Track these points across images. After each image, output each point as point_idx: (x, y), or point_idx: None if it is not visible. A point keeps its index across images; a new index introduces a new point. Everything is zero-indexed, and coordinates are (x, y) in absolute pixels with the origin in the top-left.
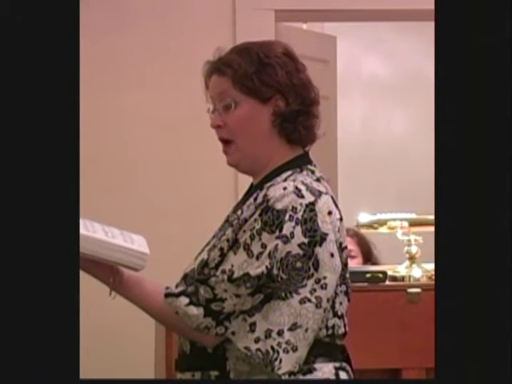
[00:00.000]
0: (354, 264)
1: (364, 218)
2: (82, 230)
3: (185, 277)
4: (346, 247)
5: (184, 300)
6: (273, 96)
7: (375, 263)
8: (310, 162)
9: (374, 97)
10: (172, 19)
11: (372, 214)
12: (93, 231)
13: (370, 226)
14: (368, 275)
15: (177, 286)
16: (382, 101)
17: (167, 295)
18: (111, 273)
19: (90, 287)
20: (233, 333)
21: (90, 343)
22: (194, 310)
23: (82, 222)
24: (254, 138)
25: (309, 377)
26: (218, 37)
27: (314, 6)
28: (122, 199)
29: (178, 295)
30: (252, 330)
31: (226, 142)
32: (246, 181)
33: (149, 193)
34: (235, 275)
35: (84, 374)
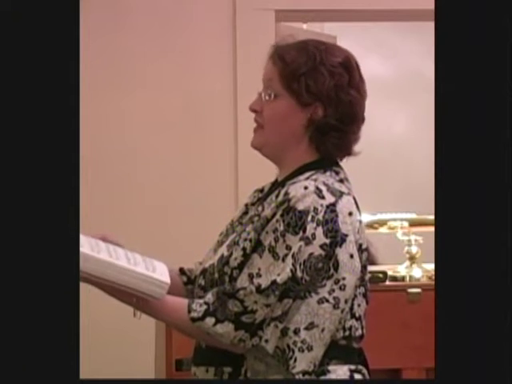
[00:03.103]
0: None
1: (364, 217)
2: (104, 256)
3: (204, 271)
4: (366, 249)
5: (210, 321)
6: (313, 103)
7: (373, 262)
8: (336, 164)
9: (374, 97)
10: (172, 19)
11: (372, 214)
12: (116, 257)
13: (371, 225)
14: (368, 275)
15: (195, 279)
16: (383, 101)
17: (193, 320)
18: (133, 293)
19: (90, 287)
20: (266, 341)
21: (90, 343)
22: (224, 328)
23: (105, 247)
24: (282, 134)
25: (321, 378)
26: (218, 37)
27: (314, 5)
28: (123, 199)
29: (203, 318)
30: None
31: (258, 124)
32: (246, 181)
33: (150, 192)
34: (263, 285)
35: (84, 374)
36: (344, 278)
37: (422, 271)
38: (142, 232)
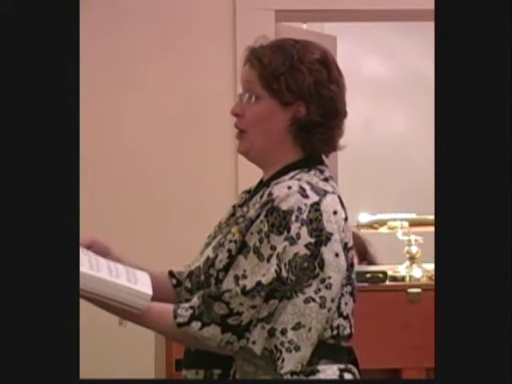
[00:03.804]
0: None
1: (364, 217)
2: (86, 269)
3: (190, 274)
4: (351, 247)
5: (196, 325)
6: (295, 102)
7: (371, 262)
8: (321, 162)
9: (374, 97)
10: (172, 20)
11: (372, 214)
12: (97, 269)
13: (370, 226)
14: (368, 275)
15: (180, 284)
16: (382, 101)
17: (179, 325)
18: (117, 306)
19: None
20: (253, 342)
21: (90, 343)
22: (210, 331)
23: (87, 259)
24: (266, 136)
25: (312, 378)
26: (218, 37)
27: (314, 6)
28: (123, 199)
29: (189, 322)
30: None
31: (239, 131)
32: (246, 179)
33: (150, 192)
34: (248, 287)
35: (84, 374)
36: (330, 277)
37: (422, 271)
38: (141, 232)
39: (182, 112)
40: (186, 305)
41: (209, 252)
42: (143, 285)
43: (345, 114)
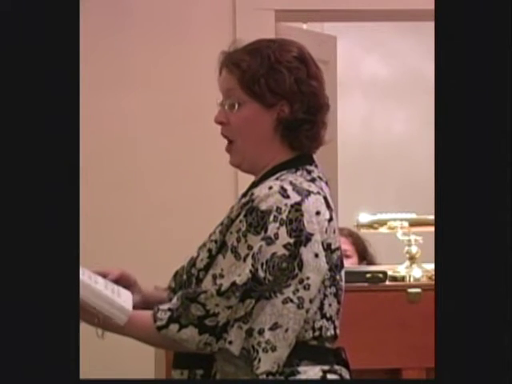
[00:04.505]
0: (350, 263)
1: (364, 217)
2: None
3: (175, 274)
4: (337, 248)
5: (174, 327)
6: (278, 102)
7: (371, 261)
8: (310, 162)
9: (374, 97)
10: (172, 20)
11: (372, 214)
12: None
13: (370, 226)
14: (368, 275)
15: (169, 286)
16: (382, 101)
17: (159, 329)
18: (95, 313)
19: None
20: (230, 342)
21: (90, 343)
22: (188, 333)
23: None
24: (254, 141)
25: (292, 379)
26: (218, 37)
27: (314, 6)
28: (124, 199)
29: (167, 325)
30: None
31: (228, 141)
32: (246, 180)
33: (151, 192)
34: (224, 287)
35: (84, 374)
36: (308, 278)
37: (422, 271)
38: (142, 232)
39: (183, 112)
40: (166, 306)
41: (194, 252)
42: (125, 301)
43: (327, 107)
